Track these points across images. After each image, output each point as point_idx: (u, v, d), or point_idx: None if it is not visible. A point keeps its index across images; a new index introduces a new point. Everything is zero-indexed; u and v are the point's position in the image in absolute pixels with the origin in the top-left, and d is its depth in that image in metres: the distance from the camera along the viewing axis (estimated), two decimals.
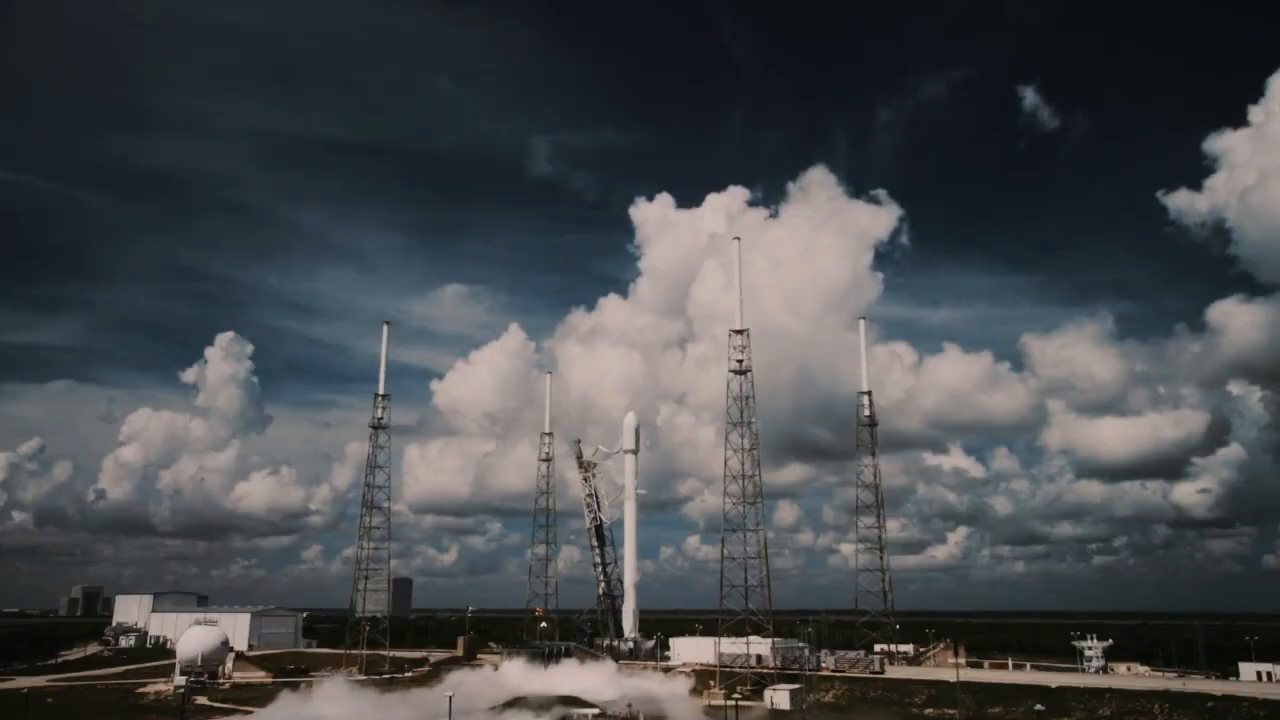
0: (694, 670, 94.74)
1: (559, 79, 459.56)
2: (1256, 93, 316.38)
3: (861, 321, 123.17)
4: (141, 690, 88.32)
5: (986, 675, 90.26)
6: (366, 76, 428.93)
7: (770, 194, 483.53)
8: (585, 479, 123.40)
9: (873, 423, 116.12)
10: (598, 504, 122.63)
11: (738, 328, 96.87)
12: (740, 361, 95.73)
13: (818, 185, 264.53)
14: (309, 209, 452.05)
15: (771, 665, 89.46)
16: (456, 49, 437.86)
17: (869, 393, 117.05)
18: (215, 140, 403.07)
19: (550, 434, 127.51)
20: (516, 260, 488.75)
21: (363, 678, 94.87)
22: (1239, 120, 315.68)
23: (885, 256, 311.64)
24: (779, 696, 75.92)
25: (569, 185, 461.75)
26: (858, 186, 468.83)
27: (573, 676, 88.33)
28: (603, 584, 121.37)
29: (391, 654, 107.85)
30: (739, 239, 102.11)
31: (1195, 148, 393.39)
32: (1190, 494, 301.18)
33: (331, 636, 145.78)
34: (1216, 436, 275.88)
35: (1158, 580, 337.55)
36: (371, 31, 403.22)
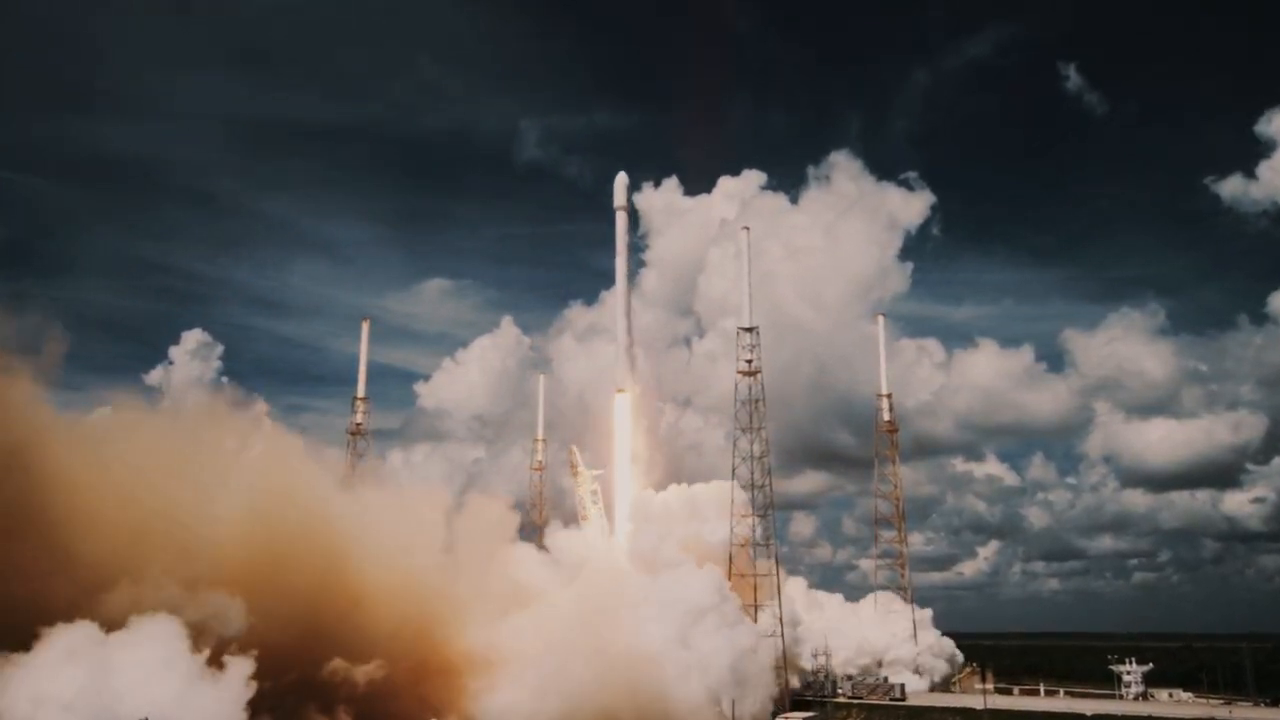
0: None
1: (550, 58, 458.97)
2: None
3: (881, 318, 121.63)
4: None
5: (1016, 702, 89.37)
6: (342, 55, 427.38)
7: (788, 178, 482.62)
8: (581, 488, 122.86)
9: (893, 428, 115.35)
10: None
11: (746, 325, 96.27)
12: (749, 362, 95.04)
13: (841, 169, 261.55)
14: (279, 197, 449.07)
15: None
16: (439, 25, 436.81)
17: (889, 395, 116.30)
18: (179, 124, 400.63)
19: (544, 439, 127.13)
20: (504, 253, 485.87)
21: None
22: None
23: (914, 247, 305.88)
24: None
25: (561, 172, 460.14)
26: (883, 171, 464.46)
27: None
28: None
29: None
30: (748, 229, 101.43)
31: (1244, 130, 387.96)
32: (1243, 504, 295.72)
33: None
34: (1274, 441, 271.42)
35: (1203, 598, 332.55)
36: (347, 7, 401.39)
